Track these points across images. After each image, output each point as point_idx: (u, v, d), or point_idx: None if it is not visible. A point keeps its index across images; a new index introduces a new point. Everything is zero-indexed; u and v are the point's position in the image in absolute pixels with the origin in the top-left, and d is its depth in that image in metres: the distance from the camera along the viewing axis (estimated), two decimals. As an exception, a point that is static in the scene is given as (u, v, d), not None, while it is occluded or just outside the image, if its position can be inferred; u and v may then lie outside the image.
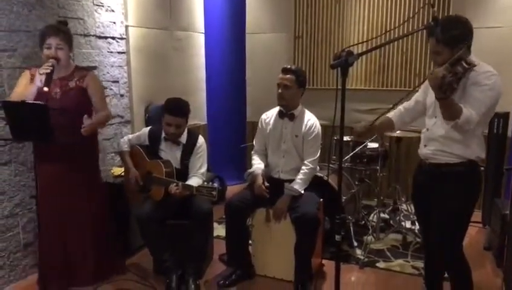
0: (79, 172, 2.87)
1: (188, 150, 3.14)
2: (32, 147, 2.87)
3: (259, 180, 3.05)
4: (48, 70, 2.54)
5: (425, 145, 2.36)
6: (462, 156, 2.23)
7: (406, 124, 2.59)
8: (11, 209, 2.98)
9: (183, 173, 3.08)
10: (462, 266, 2.38)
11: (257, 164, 3.18)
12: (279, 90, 3.03)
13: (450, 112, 2.07)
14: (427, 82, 2.44)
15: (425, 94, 2.42)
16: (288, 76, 3.00)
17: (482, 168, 3.84)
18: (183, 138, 3.14)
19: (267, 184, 3.06)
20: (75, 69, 2.86)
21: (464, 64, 1.98)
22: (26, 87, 2.65)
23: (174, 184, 2.84)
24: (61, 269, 2.89)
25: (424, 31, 2.14)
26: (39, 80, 2.56)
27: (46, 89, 2.52)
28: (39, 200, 2.73)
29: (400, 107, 2.57)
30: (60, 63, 2.68)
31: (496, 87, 2.12)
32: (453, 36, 2.12)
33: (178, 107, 3.06)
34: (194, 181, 2.99)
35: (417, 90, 2.57)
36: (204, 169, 3.15)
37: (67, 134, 2.70)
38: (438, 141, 2.28)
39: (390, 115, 2.58)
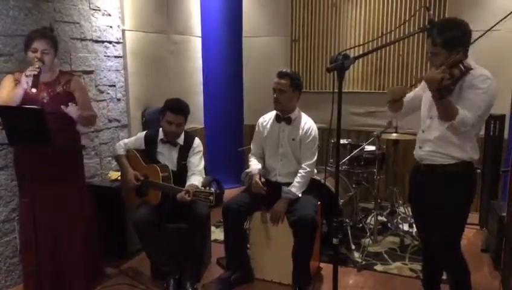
0: (66, 179, 2.84)
1: (185, 151, 3.14)
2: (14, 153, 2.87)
3: (256, 177, 3.06)
4: (35, 72, 2.52)
5: (420, 147, 2.38)
6: (457, 157, 2.24)
7: (404, 114, 2.57)
8: (7, 214, 2.96)
9: (180, 175, 3.08)
10: (461, 267, 2.38)
11: (254, 165, 3.18)
12: (275, 95, 3.04)
13: (447, 112, 2.09)
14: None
15: (423, 91, 2.43)
16: (283, 80, 3.01)
17: (479, 171, 3.87)
18: (181, 140, 3.15)
19: (263, 180, 3.06)
20: (60, 74, 2.85)
21: (462, 67, 2.00)
22: (12, 91, 2.61)
23: (184, 192, 2.82)
24: (53, 276, 2.85)
25: (422, 32, 2.15)
26: (25, 81, 2.52)
27: (34, 90, 2.51)
28: (25, 209, 2.71)
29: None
30: (44, 67, 2.65)
31: (490, 91, 2.13)
32: (450, 39, 2.14)
33: (179, 106, 3.09)
34: (196, 179, 3.02)
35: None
36: (202, 166, 3.16)
37: (56, 139, 2.68)
38: (432, 142, 2.29)
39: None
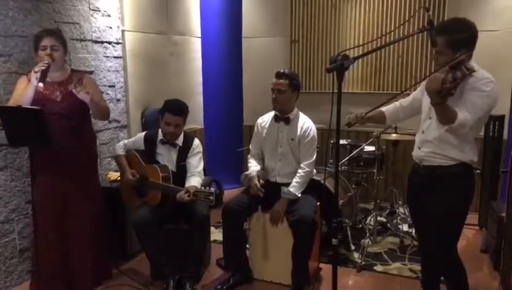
0: (79, 178, 2.85)
1: (184, 152, 3.14)
2: (28, 153, 2.87)
3: (255, 180, 3.06)
4: (44, 67, 2.52)
5: (419, 148, 2.37)
6: (456, 159, 2.24)
7: (399, 120, 2.62)
8: (7, 214, 2.96)
9: (179, 176, 3.08)
10: (457, 268, 2.38)
11: (253, 166, 3.19)
12: (273, 95, 3.05)
13: (445, 116, 2.08)
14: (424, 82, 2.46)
15: (423, 94, 2.43)
16: (281, 80, 3.02)
17: (478, 171, 3.86)
18: (180, 140, 3.15)
19: (262, 182, 3.07)
20: (72, 72, 2.87)
21: (464, 69, 1.99)
22: (23, 90, 2.64)
23: (184, 191, 2.83)
24: (60, 276, 2.85)
25: (422, 32, 2.15)
26: (35, 77, 2.53)
27: (41, 84, 2.50)
28: (37, 207, 2.71)
29: (397, 103, 2.58)
30: (55, 64, 2.66)
31: (493, 94, 2.13)
32: (457, 39, 2.13)
33: (178, 107, 3.08)
34: (195, 180, 3.02)
35: (409, 94, 2.59)
36: (201, 168, 3.16)
37: (69, 138, 2.70)
38: (432, 143, 2.29)
39: (384, 108, 2.59)
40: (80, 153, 2.84)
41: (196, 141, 3.21)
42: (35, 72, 2.53)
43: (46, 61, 2.57)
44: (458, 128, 2.10)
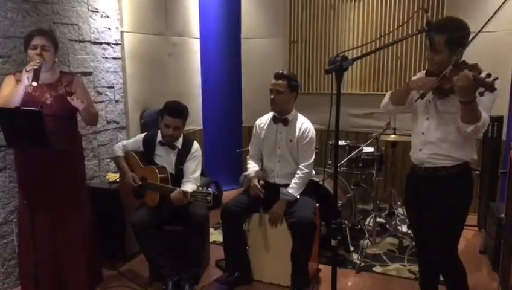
0: (67, 179, 2.83)
1: (183, 154, 3.13)
2: (14, 155, 2.86)
3: (255, 180, 3.06)
4: (36, 67, 2.49)
5: (420, 150, 2.35)
6: (458, 158, 2.23)
7: (402, 111, 2.53)
8: (5, 216, 2.96)
9: (178, 178, 3.07)
10: (457, 269, 2.37)
11: (252, 167, 3.19)
12: (272, 96, 3.05)
13: (473, 115, 2.04)
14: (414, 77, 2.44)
15: (416, 92, 2.41)
16: (280, 81, 3.02)
17: (477, 172, 3.85)
18: (179, 143, 3.14)
19: (262, 182, 3.07)
20: (61, 74, 2.83)
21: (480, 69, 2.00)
22: (13, 89, 2.60)
23: (177, 191, 2.83)
24: (52, 279, 2.84)
25: (421, 33, 2.15)
26: (26, 77, 2.49)
27: (34, 83, 2.47)
28: (34, 208, 2.70)
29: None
30: (45, 65, 2.62)
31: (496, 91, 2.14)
32: (457, 37, 2.14)
33: (178, 109, 3.08)
34: (188, 187, 2.97)
35: None
36: (198, 174, 3.14)
37: (58, 140, 2.67)
38: (435, 144, 2.27)
39: None
40: (75, 155, 2.85)
41: (196, 145, 3.19)
42: (27, 72, 2.49)
43: (38, 61, 2.54)
44: (482, 128, 2.07)
